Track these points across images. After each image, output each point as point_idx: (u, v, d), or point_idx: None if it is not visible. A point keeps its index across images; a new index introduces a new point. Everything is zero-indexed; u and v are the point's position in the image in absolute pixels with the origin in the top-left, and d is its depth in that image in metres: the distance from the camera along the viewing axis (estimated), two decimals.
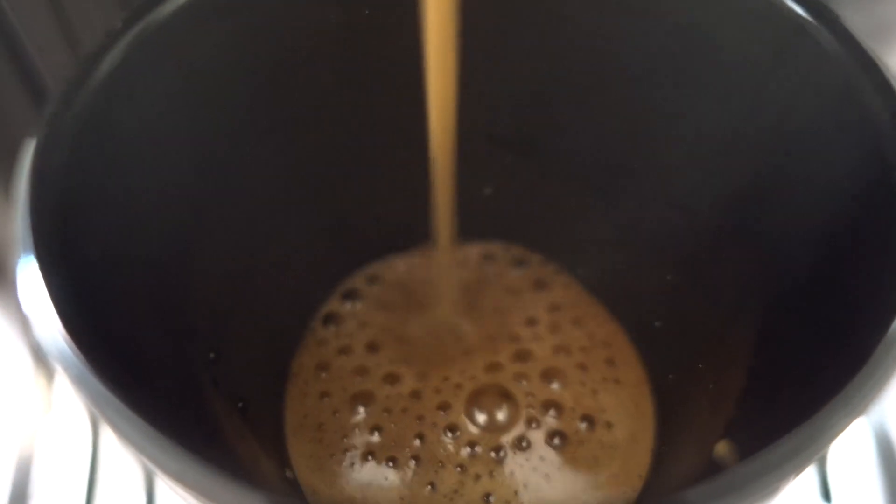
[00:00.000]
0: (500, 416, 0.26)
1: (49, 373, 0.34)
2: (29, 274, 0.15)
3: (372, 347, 0.28)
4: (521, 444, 0.26)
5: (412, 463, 0.25)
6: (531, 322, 0.28)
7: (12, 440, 0.32)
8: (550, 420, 0.26)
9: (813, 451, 0.13)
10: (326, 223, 0.26)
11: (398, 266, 0.29)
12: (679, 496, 0.13)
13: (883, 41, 0.25)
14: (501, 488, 0.25)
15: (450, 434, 0.26)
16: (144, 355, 0.18)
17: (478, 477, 0.25)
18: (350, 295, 0.29)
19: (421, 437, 0.25)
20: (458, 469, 0.25)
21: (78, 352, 0.14)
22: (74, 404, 0.34)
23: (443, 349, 0.27)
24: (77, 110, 0.17)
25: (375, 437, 0.26)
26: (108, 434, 0.33)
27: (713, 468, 0.18)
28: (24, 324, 0.34)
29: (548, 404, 0.26)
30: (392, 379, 0.27)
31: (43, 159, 0.16)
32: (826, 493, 0.32)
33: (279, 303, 0.26)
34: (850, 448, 0.32)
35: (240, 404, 0.24)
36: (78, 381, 0.14)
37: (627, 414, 0.26)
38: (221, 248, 0.22)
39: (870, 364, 0.13)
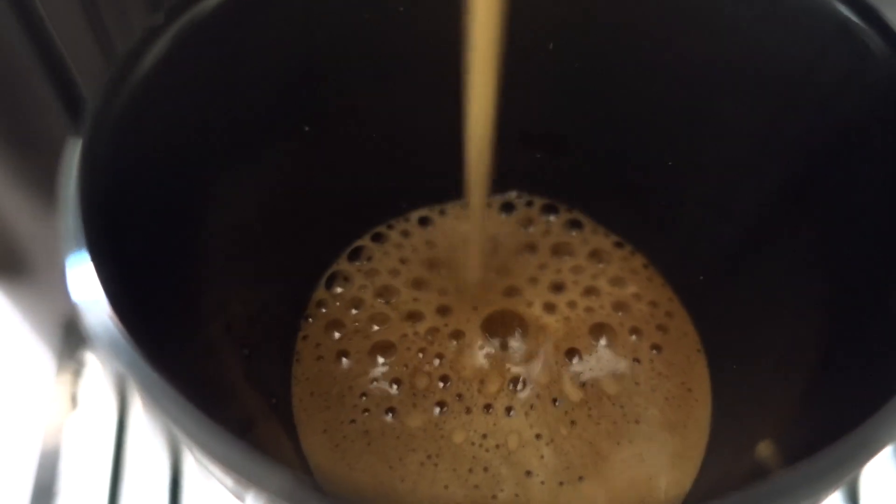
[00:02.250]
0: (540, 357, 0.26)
1: (74, 370, 0.35)
2: (81, 267, 0.15)
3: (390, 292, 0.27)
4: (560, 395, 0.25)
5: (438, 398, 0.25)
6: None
7: (38, 437, 0.33)
8: (584, 372, 0.25)
9: (859, 461, 0.13)
10: (341, 187, 0.26)
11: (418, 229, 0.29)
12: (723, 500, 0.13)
13: None
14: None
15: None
16: (186, 339, 0.18)
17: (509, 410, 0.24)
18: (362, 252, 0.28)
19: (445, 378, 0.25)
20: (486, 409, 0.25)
21: (131, 340, 0.14)
22: (99, 401, 0.34)
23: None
24: (121, 105, 0.17)
25: (393, 390, 0.25)
26: (132, 431, 0.33)
27: (757, 467, 0.18)
28: (51, 322, 0.34)
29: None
30: (414, 317, 0.26)
31: (90, 154, 0.16)
32: (854, 499, 0.31)
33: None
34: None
35: (273, 400, 0.24)
36: (131, 369, 0.14)
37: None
38: (239, 213, 0.22)
39: None
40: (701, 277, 0.26)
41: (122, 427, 0.33)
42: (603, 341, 0.26)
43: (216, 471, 0.14)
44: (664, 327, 0.26)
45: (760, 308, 0.23)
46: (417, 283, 0.27)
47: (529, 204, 0.29)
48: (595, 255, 0.28)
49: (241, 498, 0.16)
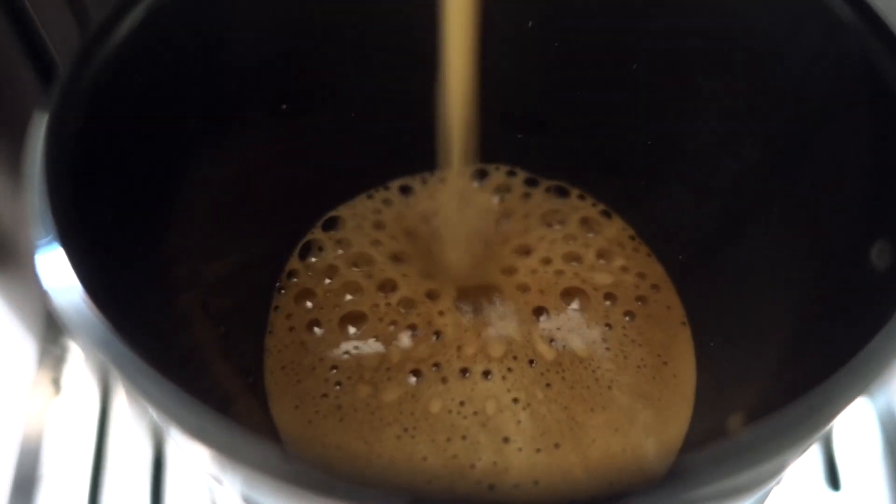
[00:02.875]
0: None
1: (56, 357, 0.34)
2: (47, 244, 0.15)
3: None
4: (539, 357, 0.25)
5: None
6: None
7: (21, 422, 0.33)
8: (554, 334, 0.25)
9: (815, 424, 0.13)
10: (314, 161, 0.26)
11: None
12: (682, 460, 0.13)
13: None
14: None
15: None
16: (161, 317, 0.18)
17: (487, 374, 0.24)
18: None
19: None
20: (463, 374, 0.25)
21: (103, 318, 0.14)
22: (82, 387, 0.34)
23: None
24: (90, 80, 0.17)
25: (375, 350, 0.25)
26: (115, 416, 0.33)
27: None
28: (34, 307, 0.34)
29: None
30: (387, 287, 0.26)
31: (56, 129, 0.16)
32: (834, 482, 0.31)
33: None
34: (858, 436, 0.32)
35: (250, 378, 0.24)
36: (104, 349, 0.14)
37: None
38: (214, 186, 0.22)
39: (875, 341, 0.13)
40: (680, 257, 0.26)
41: (105, 413, 0.33)
42: (575, 304, 0.26)
43: (194, 448, 0.14)
44: (644, 298, 0.26)
45: (743, 282, 0.23)
46: (394, 254, 0.27)
47: (511, 174, 0.29)
48: (585, 223, 0.28)
49: (218, 479, 0.15)
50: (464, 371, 0.24)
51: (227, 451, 0.13)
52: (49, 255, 0.15)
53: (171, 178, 0.20)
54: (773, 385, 0.19)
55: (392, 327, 0.25)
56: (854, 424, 0.32)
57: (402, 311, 0.26)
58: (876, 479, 0.31)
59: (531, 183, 0.29)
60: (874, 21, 0.17)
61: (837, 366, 0.13)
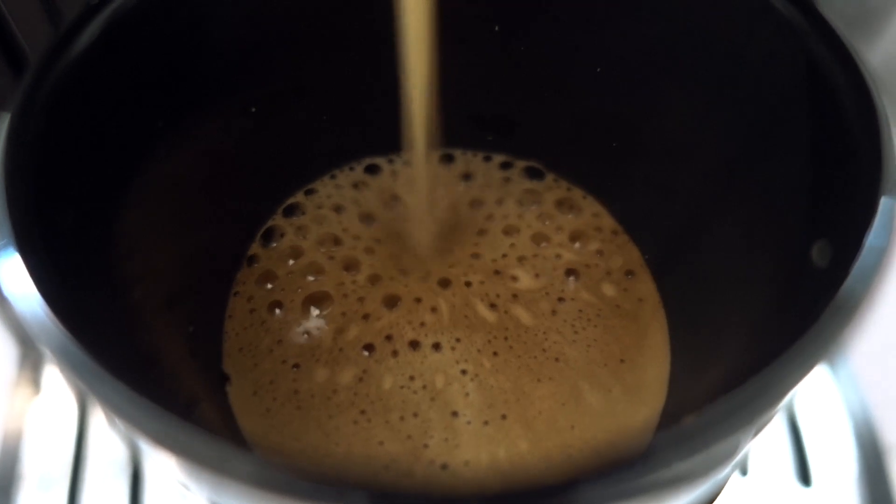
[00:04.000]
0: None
1: (37, 357, 0.35)
2: (6, 251, 0.15)
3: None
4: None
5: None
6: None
7: (0, 424, 0.33)
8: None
9: (766, 402, 0.13)
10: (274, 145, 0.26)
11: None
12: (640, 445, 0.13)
13: (867, 28, 0.25)
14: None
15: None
16: (120, 317, 0.18)
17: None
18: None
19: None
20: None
21: (61, 326, 0.14)
22: (62, 388, 0.34)
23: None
24: (53, 83, 0.18)
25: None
26: (95, 417, 0.33)
27: None
28: (8, 305, 0.34)
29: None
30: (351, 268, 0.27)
31: (18, 131, 0.17)
32: (805, 477, 0.32)
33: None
34: (829, 432, 0.32)
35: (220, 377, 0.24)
36: (63, 357, 0.14)
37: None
38: (174, 181, 0.22)
39: (822, 320, 0.14)
40: (650, 255, 0.26)
41: (85, 413, 0.34)
42: (532, 275, 0.26)
43: (160, 455, 0.14)
44: (616, 281, 0.27)
45: (708, 279, 0.24)
46: (357, 235, 0.27)
47: (486, 159, 0.29)
48: (560, 205, 0.28)
49: (186, 485, 0.16)
50: (414, 344, 0.25)
51: (189, 456, 0.13)
52: (7, 261, 0.15)
53: (133, 180, 0.20)
54: (729, 374, 0.19)
55: (350, 307, 0.26)
56: (825, 420, 0.33)
57: (364, 288, 0.26)
58: (847, 474, 0.32)
59: (506, 166, 0.29)
60: (819, 23, 0.18)
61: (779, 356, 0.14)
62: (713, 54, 0.21)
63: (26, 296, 0.15)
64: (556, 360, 0.25)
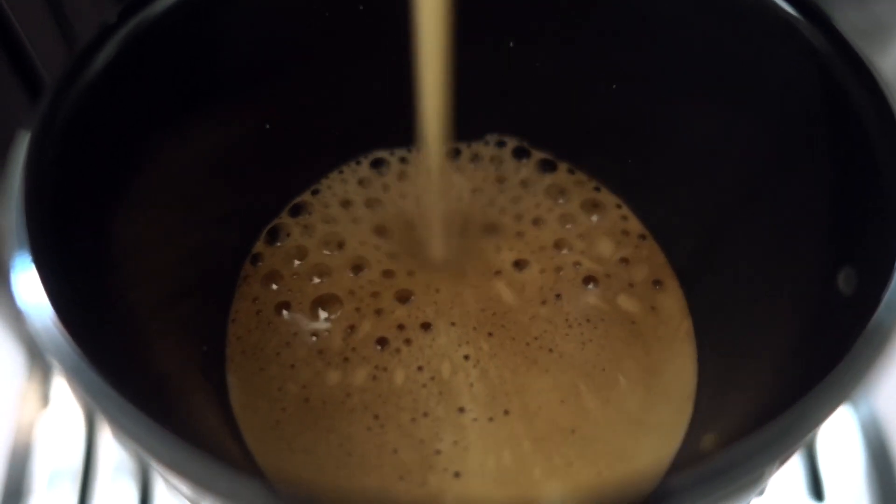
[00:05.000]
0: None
1: (45, 368, 0.35)
2: (23, 266, 0.15)
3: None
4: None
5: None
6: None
7: (9, 435, 0.33)
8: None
9: (793, 439, 0.13)
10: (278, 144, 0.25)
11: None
12: (663, 482, 0.13)
13: (878, 40, 0.25)
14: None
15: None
16: (134, 335, 0.18)
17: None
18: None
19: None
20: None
21: (74, 344, 0.14)
22: (71, 400, 0.34)
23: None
24: (71, 104, 0.18)
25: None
26: (104, 430, 0.33)
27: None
28: (20, 319, 0.34)
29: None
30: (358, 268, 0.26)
31: (37, 151, 0.17)
32: (818, 493, 0.32)
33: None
34: (841, 447, 0.32)
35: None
36: (74, 374, 0.14)
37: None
38: (185, 186, 0.22)
39: (851, 354, 0.13)
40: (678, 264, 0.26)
41: (93, 425, 0.33)
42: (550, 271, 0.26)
43: (173, 479, 0.14)
44: (642, 296, 0.26)
45: (732, 306, 0.23)
46: (369, 232, 0.27)
47: (504, 146, 0.28)
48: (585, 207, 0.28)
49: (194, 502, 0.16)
50: (425, 328, 0.25)
51: (199, 483, 0.13)
52: (23, 276, 0.15)
53: (147, 198, 0.20)
54: (752, 407, 0.19)
55: (361, 304, 0.25)
56: (837, 435, 0.33)
57: (375, 284, 0.26)
58: (859, 489, 0.32)
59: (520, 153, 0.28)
60: (842, 45, 0.18)
61: (809, 390, 0.14)
62: (734, 75, 0.21)
63: (40, 309, 0.15)
64: (550, 351, 0.24)
